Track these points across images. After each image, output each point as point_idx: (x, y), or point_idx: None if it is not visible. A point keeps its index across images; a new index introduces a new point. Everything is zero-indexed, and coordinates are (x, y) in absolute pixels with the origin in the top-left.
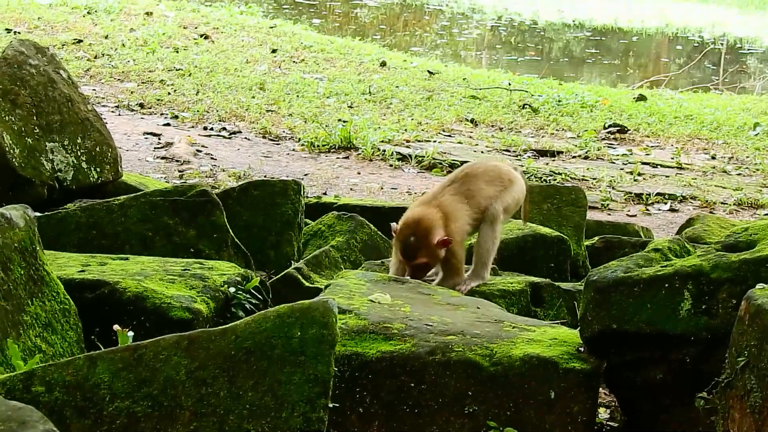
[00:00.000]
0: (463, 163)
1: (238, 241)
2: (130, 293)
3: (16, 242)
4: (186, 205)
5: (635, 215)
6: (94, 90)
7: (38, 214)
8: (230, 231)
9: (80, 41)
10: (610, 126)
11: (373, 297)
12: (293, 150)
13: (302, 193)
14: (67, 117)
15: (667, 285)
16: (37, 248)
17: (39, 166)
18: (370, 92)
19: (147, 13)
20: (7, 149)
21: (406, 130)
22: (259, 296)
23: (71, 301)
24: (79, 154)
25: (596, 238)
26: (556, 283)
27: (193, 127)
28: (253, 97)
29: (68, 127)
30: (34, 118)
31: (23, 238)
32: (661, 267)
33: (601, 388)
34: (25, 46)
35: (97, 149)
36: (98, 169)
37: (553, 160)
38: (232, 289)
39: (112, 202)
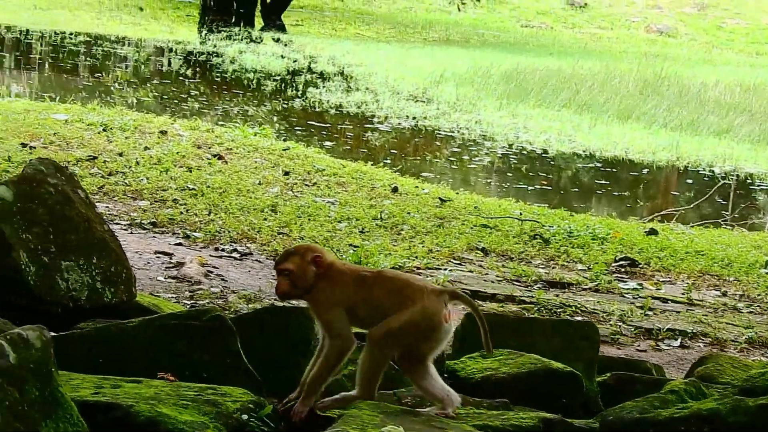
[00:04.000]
0: (473, 292)
1: (251, 366)
2: (144, 417)
3: (31, 363)
4: (200, 330)
5: (645, 350)
6: (107, 207)
7: (53, 334)
8: (243, 357)
9: (95, 158)
10: (620, 259)
11: (386, 429)
12: None
13: None
14: (83, 236)
15: (683, 428)
16: (53, 369)
17: (54, 284)
18: (381, 218)
19: (161, 132)
20: (23, 267)
21: (416, 257)
22: (272, 424)
23: (84, 423)
24: (94, 274)
25: (608, 374)
26: (569, 420)
27: (204, 247)
28: (265, 219)
29: (84, 247)
30: (51, 237)
31: (39, 359)
32: (678, 409)
33: None
34: (44, 165)
35: (112, 269)
36: (112, 290)
37: (564, 292)
38: (245, 416)
39: (126, 323)
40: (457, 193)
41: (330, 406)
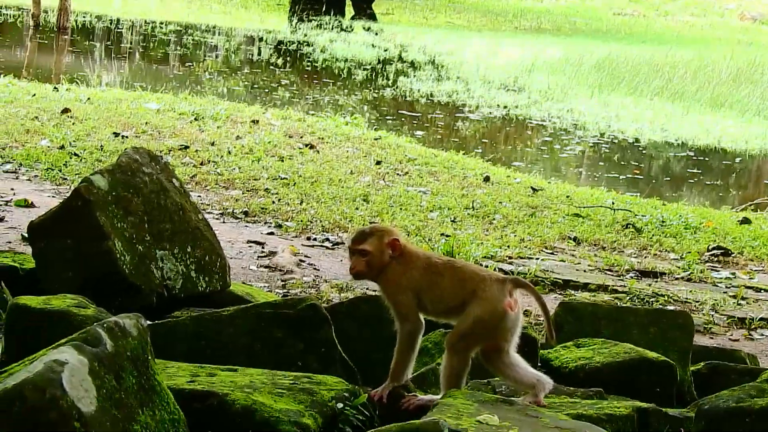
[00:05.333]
0: (565, 281)
1: (346, 355)
2: (239, 405)
3: (128, 351)
4: (295, 319)
5: (738, 340)
6: (199, 197)
7: (149, 322)
8: (338, 346)
9: (187, 147)
10: (713, 248)
11: (481, 418)
12: None
13: None
14: (178, 226)
15: None
16: (149, 357)
17: (149, 273)
18: (473, 207)
19: (253, 122)
20: (118, 256)
21: (508, 246)
22: (366, 412)
23: (180, 411)
24: (188, 263)
25: (702, 363)
26: (663, 409)
27: (296, 236)
28: (357, 209)
29: (179, 236)
30: (146, 225)
31: (135, 347)
32: None
33: None
34: (139, 154)
35: (206, 258)
36: (207, 279)
37: (656, 281)
38: (340, 405)
39: (221, 312)
40: (548, 183)
41: (418, 405)
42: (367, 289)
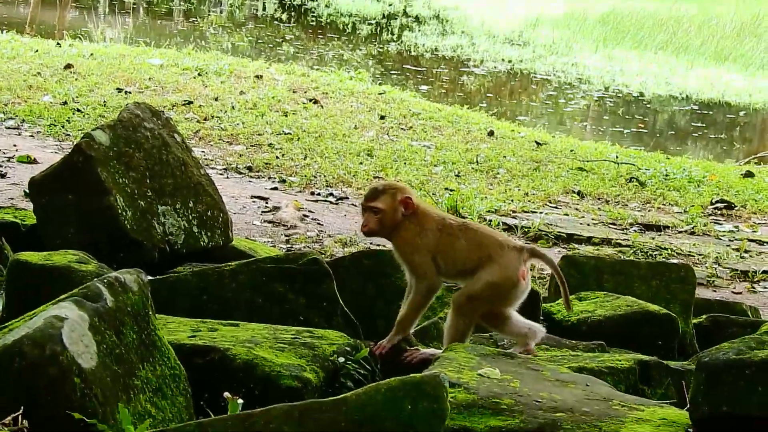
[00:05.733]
0: (569, 235)
1: (348, 310)
2: (240, 360)
3: (129, 306)
4: (297, 274)
5: (741, 293)
6: (203, 152)
7: (150, 277)
8: (340, 300)
9: (190, 103)
10: (717, 202)
11: (483, 371)
12: None
13: None
14: (179, 181)
15: None
16: (150, 313)
17: (150, 229)
18: (477, 162)
19: (257, 77)
20: (119, 211)
21: (512, 200)
22: (368, 366)
23: (181, 366)
24: (190, 218)
25: (704, 316)
26: (665, 362)
27: (300, 191)
28: (361, 163)
29: (181, 191)
30: (148, 181)
31: (136, 303)
32: None
33: None
34: (140, 109)
35: (209, 213)
36: (209, 234)
37: (659, 235)
38: (342, 359)
39: (223, 267)
40: (553, 137)
41: (421, 359)
42: (371, 244)
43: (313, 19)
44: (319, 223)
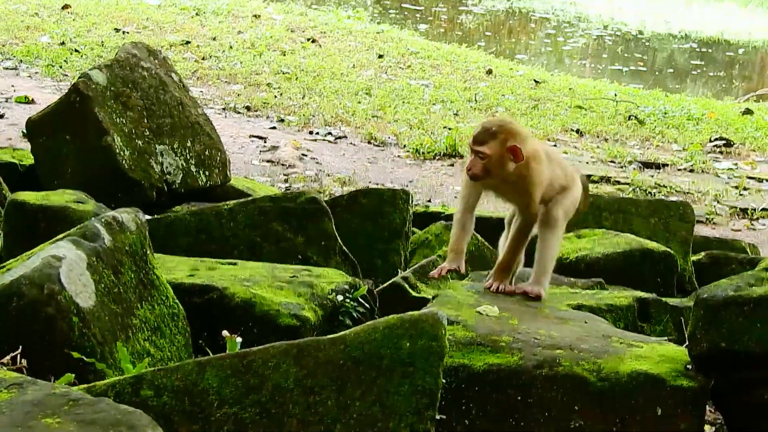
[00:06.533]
0: None
1: (346, 249)
2: (239, 299)
3: (127, 246)
4: (295, 212)
5: (740, 230)
6: (201, 92)
7: (148, 217)
8: (338, 239)
9: (188, 42)
10: (716, 139)
11: (481, 309)
12: (398, 156)
13: (410, 202)
14: (177, 120)
15: None
16: (148, 252)
17: (148, 168)
18: (475, 100)
19: (255, 16)
20: (117, 151)
21: None
22: (366, 305)
23: (180, 305)
24: (188, 157)
25: (703, 253)
26: (663, 299)
27: (298, 130)
28: (359, 102)
29: (178, 131)
30: (145, 120)
31: (134, 242)
32: None
33: (707, 406)
34: (137, 49)
35: (207, 153)
36: (207, 173)
37: (659, 173)
38: (340, 297)
39: (221, 206)
40: (551, 75)
41: (514, 293)
42: (370, 183)
43: None
44: (317, 162)
